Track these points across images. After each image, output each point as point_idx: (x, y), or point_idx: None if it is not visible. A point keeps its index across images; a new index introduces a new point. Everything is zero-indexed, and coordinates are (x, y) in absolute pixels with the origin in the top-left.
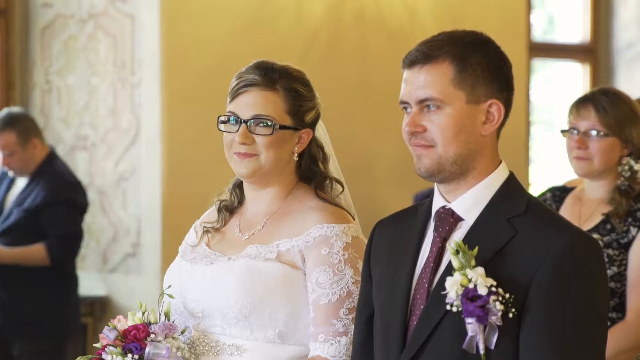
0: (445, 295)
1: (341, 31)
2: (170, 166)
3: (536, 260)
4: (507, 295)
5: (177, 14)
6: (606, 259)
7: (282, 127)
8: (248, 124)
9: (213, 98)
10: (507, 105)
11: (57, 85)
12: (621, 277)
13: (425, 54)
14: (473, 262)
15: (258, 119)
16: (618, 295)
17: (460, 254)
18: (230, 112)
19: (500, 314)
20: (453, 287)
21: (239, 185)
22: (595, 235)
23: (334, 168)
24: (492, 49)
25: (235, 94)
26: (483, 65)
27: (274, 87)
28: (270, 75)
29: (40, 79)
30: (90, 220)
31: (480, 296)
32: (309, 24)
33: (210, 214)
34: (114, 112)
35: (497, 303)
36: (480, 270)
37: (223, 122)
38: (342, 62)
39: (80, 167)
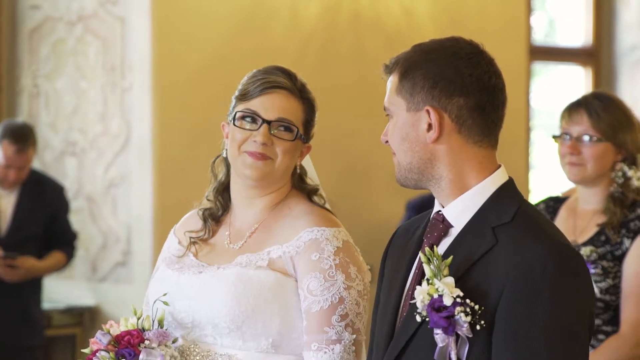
0: None
1: (337, 33)
2: (162, 172)
3: (508, 272)
4: (476, 307)
5: (169, 16)
6: (601, 271)
7: (300, 137)
8: (270, 125)
9: (206, 102)
10: (468, 111)
11: (45, 90)
12: (616, 289)
13: (386, 66)
14: (446, 272)
15: (282, 122)
16: (613, 308)
17: (432, 262)
18: (250, 110)
19: (467, 325)
20: (419, 297)
21: (221, 192)
22: (590, 247)
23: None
24: (444, 55)
25: (256, 92)
26: (423, 71)
27: (298, 95)
28: (295, 83)
29: (27, 83)
30: (80, 228)
31: (446, 307)
32: (304, 26)
33: (192, 220)
34: (104, 117)
35: (463, 314)
36: (449, 280)
37: (242, 118)
38: (338, 65)
39: (69, 173)
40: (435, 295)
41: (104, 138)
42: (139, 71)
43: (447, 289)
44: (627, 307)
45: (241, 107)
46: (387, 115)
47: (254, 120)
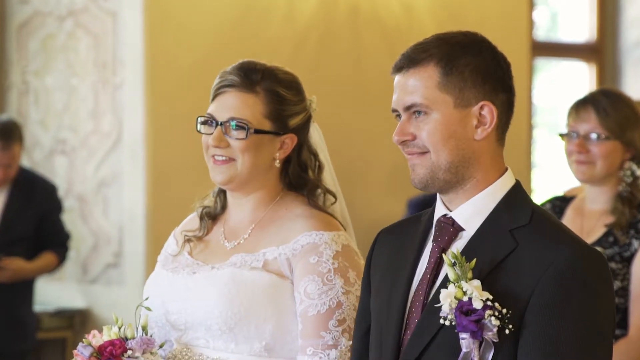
0: (440, 310)
1: (334, 29)
2: (154, 171)
3: (536, 275)
4: (504, 311)
5: (162, 11)
6: None
7: (258, 132)
8: (223, 126)
9: (199, 100)
10: (505, 108)
11: (34, 86)
12: (625, 291)
13: (410, 57)
14: (470, 275)
15: (233, 121)
16: (621, 311)
17: (457, 265)
18: (208, 113)
19: (495, 329)
20: (447, 300)
21: (224, 191)
22: (598, 249)
23: (330, 177)
24: (484, 49)
25: (214, 94)
26: (472, 66)
27: (254, 89)
28: (250, 77)
29: (16, 80)
30: (70, 229)
31: (475, 310)
32: (301, 21)
33: (191, 221)
34: (95, 115)
35: (493, 318)
36: (477, 283)
37: (202, 124)
38: (335, 61)
39: (59, 172)
40: (465, 299)
41: (94, 136)
42: (130, 68)
43: (477, 292)
44: (636, 310)
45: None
46: (416, 112)
47: (210, 124)
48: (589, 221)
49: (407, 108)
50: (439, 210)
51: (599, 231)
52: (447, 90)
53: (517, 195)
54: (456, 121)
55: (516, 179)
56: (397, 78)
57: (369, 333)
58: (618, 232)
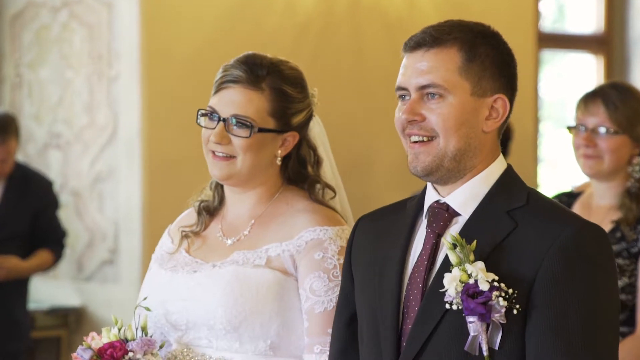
0: (443, 295)
1: (335, 21)
2: (151, 166)
3: (539, 254)
4: (510, 291)
5: (158, 2)
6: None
7: (262, 130)
8: (226, 122)
9: (196, 93)
10: (511, 104)
11: (28, 79)
12: (632, 288)
13: (433, 37)
14: (472, 257)
15: (236, 118)
16: (629, 308)
17: (458, 248)
18: (210, 107)
19: (503, 310)
20: (452, 284)
21: (220, 184)
22: None
23: (330, 171)
24: (501, 43)
25: (218, 88)
26: (492, 57)
27: (259, 86)
28: (256, 73)
29: (9, 72)
30: (64, 225)
31: (481, 292)
32: (300, 12)
33: (187, 217)
34: (90, 108)
35: (500, 299)
36: (480, 264)
37: (203, 116)
38: (336, 54)
39: (54, 167)
40: (471, 281)
41: (90, 130)
42: (126, 60)
43: (482, 274)
44: None
45: (209, 102)
46: (430, 93)
47: (212, 118)
48: (596, 217)
49: (421, 88)
50: (431, 197)
51: (606, 227)
52: (466, 77)
53: (511, 178)
54: (470, 109)
55: (508, 164)
56: (412, 56)
57: (352, 321)
58: (625, 228)
